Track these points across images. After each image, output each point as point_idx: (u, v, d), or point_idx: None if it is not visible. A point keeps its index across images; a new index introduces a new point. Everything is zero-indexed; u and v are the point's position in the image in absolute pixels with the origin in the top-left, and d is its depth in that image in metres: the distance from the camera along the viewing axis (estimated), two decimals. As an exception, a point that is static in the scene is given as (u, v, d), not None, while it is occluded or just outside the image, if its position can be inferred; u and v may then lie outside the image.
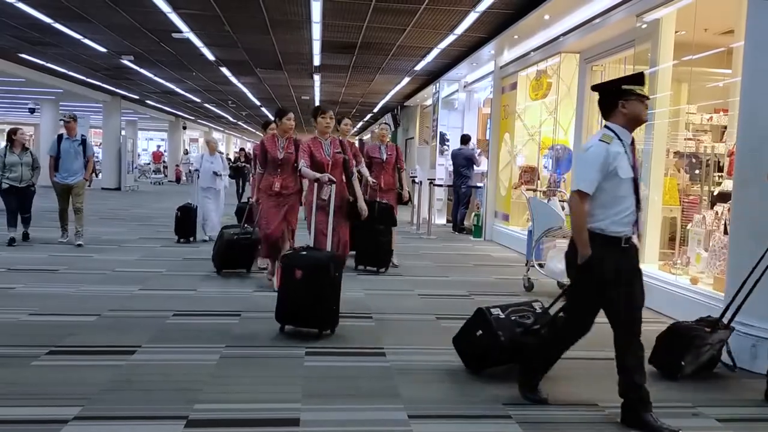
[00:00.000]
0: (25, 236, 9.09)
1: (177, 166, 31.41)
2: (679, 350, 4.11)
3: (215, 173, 9.75)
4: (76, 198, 8.93)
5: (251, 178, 11.75)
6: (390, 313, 5.70)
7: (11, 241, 8.65)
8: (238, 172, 18.09)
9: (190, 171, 33.84)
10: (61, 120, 9.06)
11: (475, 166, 12.51)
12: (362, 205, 6.02)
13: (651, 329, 5.46)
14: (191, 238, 9.69)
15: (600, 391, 3.81)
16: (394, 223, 7.84)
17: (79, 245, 8.72)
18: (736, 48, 5.77)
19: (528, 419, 3.37)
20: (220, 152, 10.72)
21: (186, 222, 9.72)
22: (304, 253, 4.91)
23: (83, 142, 9.06)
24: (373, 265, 7.77)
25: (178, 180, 30.45)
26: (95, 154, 9.61)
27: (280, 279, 5.02)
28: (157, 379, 3.81)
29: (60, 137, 9.01)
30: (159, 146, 40.06)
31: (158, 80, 18.10)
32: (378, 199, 7.78)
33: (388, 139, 8.46)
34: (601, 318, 5.97)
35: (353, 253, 7.73)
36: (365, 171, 7.21)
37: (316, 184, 5.84)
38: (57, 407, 3.31)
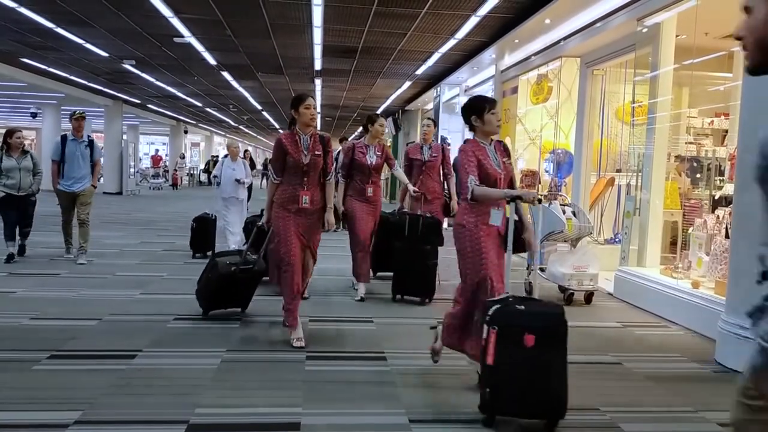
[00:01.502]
0: (22, 250, 7.99)
1: (175, 171, 30.94)
2: None
3: (237, 181, 8.85)
4: (82, 208, 7.81)
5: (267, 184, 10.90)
6: (390, 318, 5.70)
7: (9, 258, 7.61)
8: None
9: (191, 175, 34.13)
10: (71, 115, 7.90)
11: None
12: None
13: (654, 333, 5.47)
14: (209, 253, 8.20)
15: (600, 395, 3.80)
16: (441, 242, 6.54)
17: (83, 264, 7.67)
18: (737, 52, 5.76)
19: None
20: (242, 157, 9.97)
21: (203, 234, 8.62)
22: (521, 307, 3.31)
23: (90, 143, 7.94)
24: (416, 293, 6.28)
25: (174, 185, 29.54)
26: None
27: (491, 351, 3.23)
28: (157, 384, 3.80)
29: (64, 138, 7.87)
30: (157, 150, 39.33)
31: (160, 84, 18.13)
32: (422, 212, 6.56)
33: (432, 138, 7.10)
34: (601, 322, 5.98)
35: (380, 274, 7.13)
36: (401, 175, 6.71)
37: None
38: (58, 411, 3.31)
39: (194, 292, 5.50)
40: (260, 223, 5.00)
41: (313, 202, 4.76)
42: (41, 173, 8.03)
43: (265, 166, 26.21)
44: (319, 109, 23.05)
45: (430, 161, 6.86)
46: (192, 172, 34.75)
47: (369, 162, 6.39)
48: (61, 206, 7.93)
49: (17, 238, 7.88)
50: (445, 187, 7.01)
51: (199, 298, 5.45)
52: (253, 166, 24.04)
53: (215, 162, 34.00)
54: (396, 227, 6.43)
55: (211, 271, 5.30)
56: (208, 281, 5.33)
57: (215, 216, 8.83)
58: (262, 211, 5.50)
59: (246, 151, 24.29)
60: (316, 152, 4.75)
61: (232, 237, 8.65)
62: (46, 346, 4.38)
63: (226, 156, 9.49)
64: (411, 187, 6.68)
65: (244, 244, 6.24)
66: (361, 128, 6.91)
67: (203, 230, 8.64)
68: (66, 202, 7.87)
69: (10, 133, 7.91)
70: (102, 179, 24.96)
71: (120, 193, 23.04)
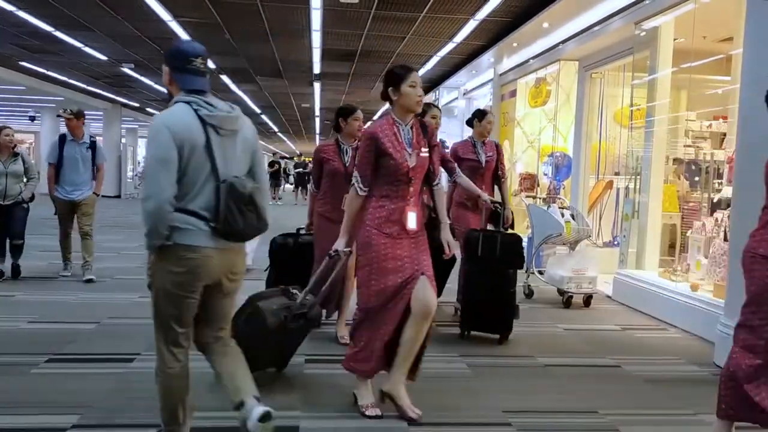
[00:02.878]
0: (15, 271, 6.93)
1: None
2: None
3: None
4: (84, 219, 6.90)
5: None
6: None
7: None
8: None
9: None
10: (58, 115, 6.93)
11: None
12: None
13: (653, 336, 5.47)
14: None
15: (599, 398, 3.80)
16: (521, 264, 5.32)
17: (89, 280, 6.86)
18: (735, 55, 5.79)
19: (528, 427, 3.35)
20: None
21: None
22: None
23: (92, 145, 6.94)
24: (492, 329, 5.06)
25: None
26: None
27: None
28: (155, 387, 3.79)
29: (62, 139, 6.88)
30: None
31: (159, 88, 18.14)
32: (502, 227, 5.40)
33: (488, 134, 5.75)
34: (600, 325, 5.97)
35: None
36: (466, 182, 5.32)
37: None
38: (56, 415, 3.30)
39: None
40: (335, 252, 3.49)
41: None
42: (36, 178, 7.11)
43: (303, 175, 25.21)
44: (317, 113, 23.10)
45: (488, 162, 5.62)
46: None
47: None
48: (58, 216, 6.97)
49: (7, 254, 6.92)
50: (497, 192, 5.85)
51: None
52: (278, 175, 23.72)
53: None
54: (466, 245, 5.12)
55: (253, 321, 3.69)
56: (247, 336, 3.48)
57: None
58: (298, 230, 5.21)
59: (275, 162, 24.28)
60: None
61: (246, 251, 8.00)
62: (45, 349, 4.37)
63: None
64: (485, 197, 5.40)
65: (266, 269, 5.23)
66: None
67: None
68: (64, 212, 6.92)
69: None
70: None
71: (118, 196, 23.03)
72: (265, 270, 5.20)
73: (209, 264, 2.66)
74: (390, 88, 3.35)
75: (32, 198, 6.97)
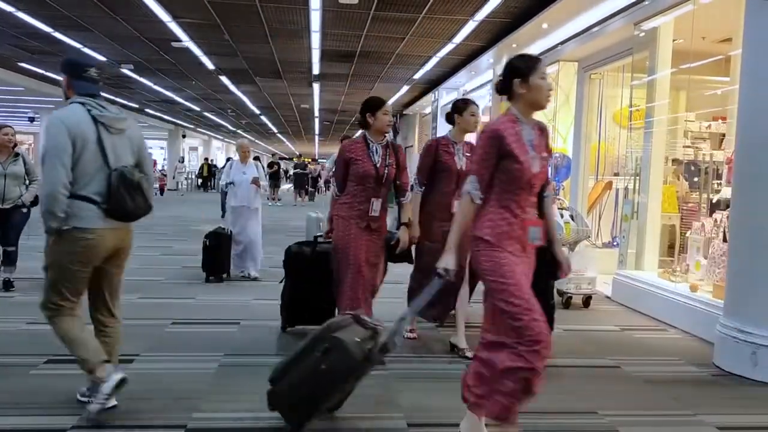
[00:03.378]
0: (7, 284, 6.37)
1: (163, 176, 28.85)
2: None
3: (255, 182, 7.47)
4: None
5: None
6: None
7: None
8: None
9: (189, 179, 34.04)
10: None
11: None
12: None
13: (652, 336, 5.47)
14: (224, 275, 7.25)
15: (599, 399, 3.80)
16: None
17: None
18: (734, 56, 5.80)
19: (527, 427, 3.35)
20: (257, 161, 8.83)
21: (218, 253, 7.14)
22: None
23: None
24: None
25: (161, 191, 26.94)
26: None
27: None
28: (155, 388, 3.79)
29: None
30: (150, 153, 38.53)
31: (158, 89, 18.14)
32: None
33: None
34: (600, 325, 5.97)
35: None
36: None
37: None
38: (55, 416, 3.30)
39: (273, 378, 3.23)
40: (445, 271, 2.87)
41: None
42: (38, 180, 6.45)
43: (301, 175, 24.84)
44: (317, 114, 23.11)
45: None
46: (189, 176, 34.67)
47: (458, 165, 4.69)
48: None
49: None
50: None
51: (296, 401, 3.15)
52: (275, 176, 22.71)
53: (210, 167, 33.80)
54: None
55: (333, 357, 3.04)
56: (320, 375, 3.02)
57: (231, 231, 7.40)
58: (315, 238, 4.88)
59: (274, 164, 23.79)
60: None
61: (249, 255, 7.47)
62: (44, 350, 4.36)
63: (228, 159, 9.25)
64: None
65: (281, 281, 5.05)
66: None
67: (218, 248, 7.16)
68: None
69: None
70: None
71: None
72: (280, 282, 5.06)
73: (103, 242, 3.21)
74: (517, 80, 2.87)
75: (35, 202, 6.27)
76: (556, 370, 4.36)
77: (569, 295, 6.47)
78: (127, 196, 3.18)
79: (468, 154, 4.69)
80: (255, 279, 7.34)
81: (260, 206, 7.66)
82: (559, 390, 3.96)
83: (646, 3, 6.56)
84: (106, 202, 3.15)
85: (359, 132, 4.70)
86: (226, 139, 44.43)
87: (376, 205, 4.35)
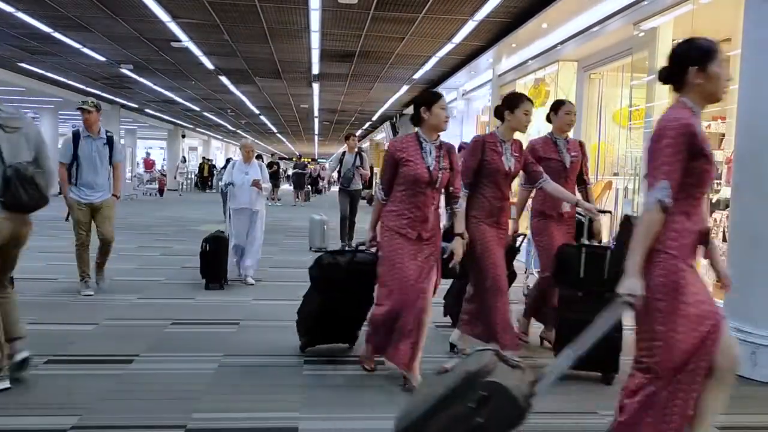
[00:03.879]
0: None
1: (163, 176, 28.12)
2: None
3: (256, 184, 7.04)
4: (106, 224, 6.19)
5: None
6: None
7: None
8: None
9: (189, 179, 34.01)
10: (79, 108, 6.18)
11: None
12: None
13: (650, 337, 5.47)
14: (223, 281, 6.84)
15: (599, 399, 3.80)
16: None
17: (101, 287, 6.43)
18: (733, 56, 5.78)
19: (527, 427, 3.35)
20: (260, 159, 8.53)
21: (217, 258, 6.75)
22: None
23: (110, 141, 6.25)
24: (594, 366, 4.02)
25: (161, 192, 26.50)
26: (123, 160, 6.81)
27: None
28: (155, 389, 3.79)
29: (77, 136, 6.15)
30: (149, 153, 36.60)
31: (157, 89, 18.14)
32: (589, 239, 4.55)
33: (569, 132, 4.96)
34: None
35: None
36: (556, 188, 4.42)
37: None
38: (55, 416, 3.30)
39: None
40: (629, 296, 2.43)
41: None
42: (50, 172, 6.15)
43: (301, 175, 24.53)
44: (316, 114, 23.11)
45: (573, 164, 4.78)
46: (190, 176, 34.67)
47: (507, 166, 4.30)
48: (75, 222, 6.16)
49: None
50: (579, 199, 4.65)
51: None
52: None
53: (210, 166, 33.72)
54: (561, 264, 4.29)
55: (495, 408, 2.48)
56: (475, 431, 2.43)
57: (230, 235, 7.00)
58: (357, 246, 4.36)
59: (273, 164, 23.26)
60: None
61: (248, 260, 7.15)
62: (44, 351, 4.36)
63: (228, 160, 9.11)
64: (586, 205, 4.53)
65: (306, 295, 4.55)
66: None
67: (217, 253, 6.75)
68: (82, 217, 6.12)
69: None
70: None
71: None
72: (304, 297, 4.59)
73: (3, 226, 3.53)
74: (693, 68, 2.54)
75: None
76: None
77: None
78: (21, 189, 3.50)
79: (516, 155, 4.35)
80: (251, 285, 7.05)
81: (263, 208, 7.26)
82: (560, 390, 3.95)
83: (646, 3, 6.56)
84: (2, 195, 3.50)
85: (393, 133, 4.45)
86: (225, 139, 44.43)
87: (429, 213, 3.89)
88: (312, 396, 3.72)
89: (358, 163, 10.07)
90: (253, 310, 5.90)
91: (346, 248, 4.84)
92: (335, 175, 10.97)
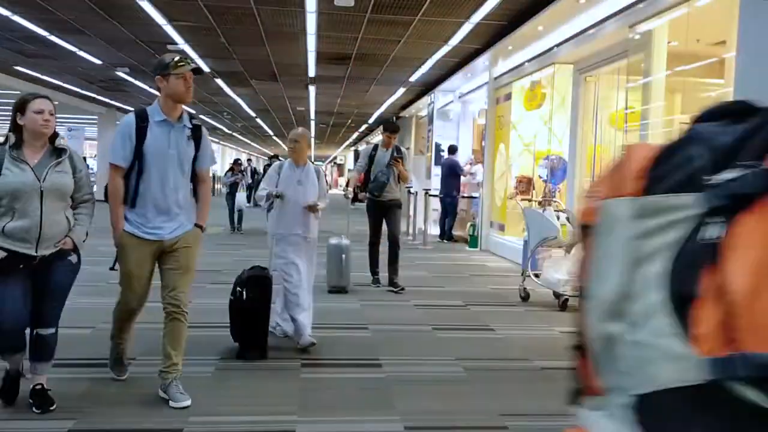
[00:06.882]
0: (42, 396, 3.44)
1: None
2: None
3: (311, 209, 4.91)
4: (177, 278, 3.67)
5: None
6: (386, 324, 5.69)
7: (7, 398, 3.48)
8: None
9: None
10: (166, 64, 3.60)
11: (461, 176, 12.85)
12: None
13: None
14: (263, 345, 4.54)
15: (597, 401, 3.80)
16: None
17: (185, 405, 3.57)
18: (728, 58, 5.81)
19: (524, 429, 3.36)
20: (276, 159, 6.62)
21: (259, 312, 4.49)
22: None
23: (196, 133, 3.68)
24: None
25: None
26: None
27: None
28: (151, 392, 3.78)
29: (143, 117, 3.56)
30: None
31: (154, 92, 18.07)
32: None
33: None
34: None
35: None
36: None
37: None
38: (51, 420, 3.29)
39: None
40: None
41: None
42: (92, 197, 3.63)
43: None
44: (312, 116, 23.12)
45: None
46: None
47: None
48: (124, 273, 3.68)
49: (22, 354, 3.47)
50: None
51: None
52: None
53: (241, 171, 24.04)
54: None
55: None
56: None
57: (273, 273, 4.76)
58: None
59: (249, 160, 18.76)
60: None
61: (297, 308, 4.74)
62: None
63: (274, 157, 6.36)
64: None
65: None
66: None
67: (255, 303, 4.47)
68: (137, 266, 3.63)
69: (26, 101, 3.41)
70: (95, 186, 22.24)
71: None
72: None
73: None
74: None
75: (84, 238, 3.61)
76: (553, 372, 4.37)
77: (566, 297, 6.48)
78: None
79: None
80: (312, 345, 4.69)
81: (315, 235, 5.12)
82: (556, 392, 3.96)
83: (641, 6, 6.59)
84: None
85: None
86: (222, 142, 44.35)
87: None
88: (310, 399, 3.71)
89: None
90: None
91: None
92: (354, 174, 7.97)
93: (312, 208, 4.90)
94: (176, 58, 3.63)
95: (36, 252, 3.29)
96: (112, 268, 3.75)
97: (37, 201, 3.26)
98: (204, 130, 3.79)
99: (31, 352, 3.44)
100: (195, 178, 3.72)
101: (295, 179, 4.98)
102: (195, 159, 3.68)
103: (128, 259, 3.60)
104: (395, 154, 7.22)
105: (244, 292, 4.47)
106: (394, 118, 22.57)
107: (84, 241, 3.56)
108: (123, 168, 3.54)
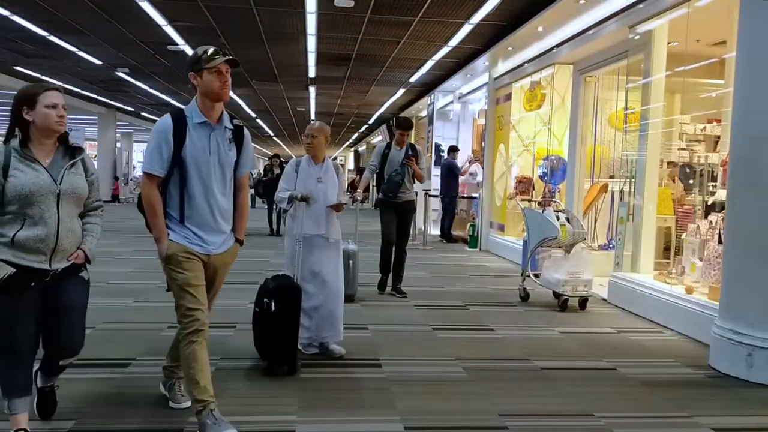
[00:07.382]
0: (49, 402, 3.31)
1: (117, 179, 24.30)
2: None
3: (336, 207, 4.68)
4: (210, 299, 3.49)
5: None
6: (386, 324, 5.69)
7: (44, 413, 3.27)
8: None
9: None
10: (201, 56, 3.23)
11: (460, 176, 12.88)
12: None
13: (648, 339, 5.48)
14: (293, 358, 4.18)
15: (595, 401, 3.80)
16: None
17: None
18: (728, 58, 5.82)
19: (524, 430, 3.36)
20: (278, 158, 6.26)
21: (287, 326, 4.13)
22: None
23: (237, 135, 3.31)
24: None
25: (115, 198, 23.39)
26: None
27: None
28: (151, 392, 3.78)
29: (181, 119, 3.20)
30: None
31: (153, 92, 18.11)
32: None
33: None
34: (596, 328, 5.98)
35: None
36: None
37: None
38: (51, 421, 3.29)
39: None
40: None
41: None
42: (102, 204, 3.30)
43: None
44: (313, 117, 23.11)
45: None
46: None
47: None
48: (181, 283, 3.30)
49: (35, 380, 3.24)
50: None
51: None
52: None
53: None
54: None
55: None
56: None
57: (300, 286, 4.35)
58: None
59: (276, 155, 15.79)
60: None
61: (327, 327, 4.59)
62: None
63: (270, 159, 6.48)
64: None
65: None
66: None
67: (287, 317, 4.12)
68: (193, 280, 3.29)
69: (37, 91, 3.21)
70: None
71: (113, 200, 23.01)
72: None
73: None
74: None
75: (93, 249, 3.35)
76: (553, 373, 4.37)
77: (566, 297, 6.48)
78: None
79: None
80: (339, 357, 4.60)
81: (340, 236, 4.85)
82: (556, 392, 3.96)
83: (641, 6, 6.59)
84: None
85: None
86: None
87: None
88: (309, 399, 3.71)
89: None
90: (250, 313, 5.88)
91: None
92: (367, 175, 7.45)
93: (338, 208, 4.65)
94: (209, 51, 3.22)
95: (50, 266, 2.91)
96: (169, 289, 3.43)
97: (53, 206, 2.86)
98: (246, 131, 3.40)
99: (46, 370, 3.27)
100: (233, 185, 3.34)
101: (315, 177, 4.64)
102: (238, 163, 3.32)
103: (183, 267, 3.22)
104: (410, 152, 6.91)
105: (272, 303, 4.08)
106: (393, 120, 22.56)
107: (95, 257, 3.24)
108: (160, 177, 3.15)
